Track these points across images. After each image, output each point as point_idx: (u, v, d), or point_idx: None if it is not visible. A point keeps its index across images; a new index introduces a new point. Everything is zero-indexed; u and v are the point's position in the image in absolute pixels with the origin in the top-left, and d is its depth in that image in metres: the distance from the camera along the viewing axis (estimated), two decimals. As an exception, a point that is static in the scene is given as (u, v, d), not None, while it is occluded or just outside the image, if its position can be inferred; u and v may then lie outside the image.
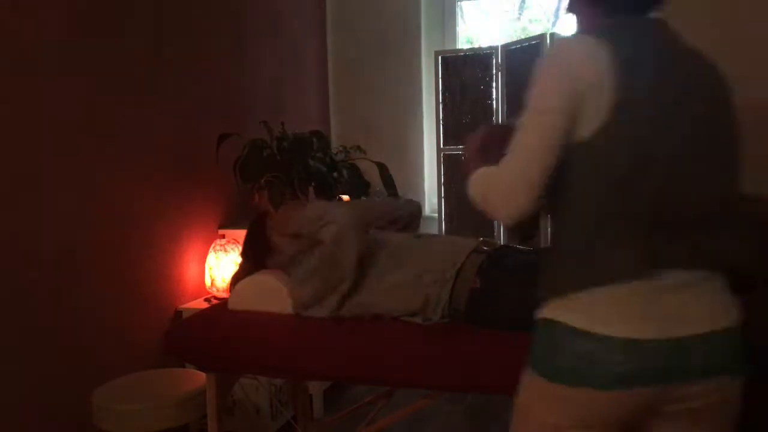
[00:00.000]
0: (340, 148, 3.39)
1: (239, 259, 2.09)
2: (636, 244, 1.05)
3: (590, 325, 1.04)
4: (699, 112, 1.08)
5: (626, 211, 1.05)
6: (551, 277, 1.13)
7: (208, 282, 2.75)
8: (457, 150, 3.68)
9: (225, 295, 2.52)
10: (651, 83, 1.05)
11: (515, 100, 3.44)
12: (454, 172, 3.70)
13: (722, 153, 1.14)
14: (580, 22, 1.22)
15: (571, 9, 1.22)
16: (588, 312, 1.06)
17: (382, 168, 2.84)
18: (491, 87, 3.53)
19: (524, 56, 3.37)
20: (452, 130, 3.67)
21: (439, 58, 3.64)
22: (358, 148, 3.36)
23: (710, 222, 1.09)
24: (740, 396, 1.10)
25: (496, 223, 3.59)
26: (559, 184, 1.07)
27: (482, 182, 1.16)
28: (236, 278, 1.97)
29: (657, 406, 1.08)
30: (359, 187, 3.10)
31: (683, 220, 1.07)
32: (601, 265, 1.06)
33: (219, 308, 1.98)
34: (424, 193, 4.07)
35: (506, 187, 1.08)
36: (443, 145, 3.69)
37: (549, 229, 1.19)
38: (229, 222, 2.97)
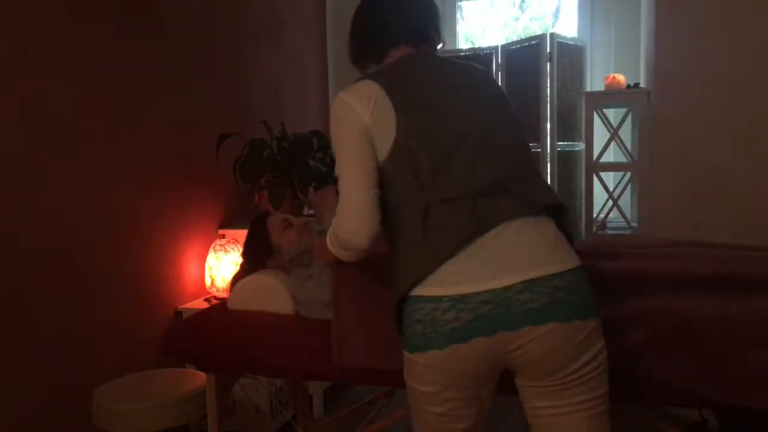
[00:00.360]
0: (340, 148, 3.39)
1: (240, 260, 2.09)
2: (455, 222, 1.20)
3: (427, 290, 1.18)
4: (474, 102, 1.30)
5: (439, 201, 1.22)
6: (396, 283, 1.26)
7: (208, 282, 2.75)
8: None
9: (225, 295, 2.52)
10: (415, 95, 1.28)
11: (515, 101, 3.44)
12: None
13: (508, 129, 1.32)
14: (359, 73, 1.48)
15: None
16: (426, 284, 1.19)
17: (382, 168, 2.84)
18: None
19: (524, 56, 3.37)
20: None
21: (439, 58, 3.64)
22: (358, 148, 3.36)
23: (512, 182, 1.25)
24: (587, 339, 1.17)
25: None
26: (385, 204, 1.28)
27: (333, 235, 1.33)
28: (236, 278, 1.97)
29: (501, 359, 1.18)
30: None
31: (489, 187, 1.23)
32: (432, 253, 1.19)
33: (219, 308, 1.97)
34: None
35: (352, 226, 1.26)
36: (443, 145, 3.69)
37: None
38: (229, 222, 2.97)
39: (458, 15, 3.96)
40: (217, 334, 1.79)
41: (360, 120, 1.26)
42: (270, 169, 2.78)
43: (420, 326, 1.18)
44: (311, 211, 3.14)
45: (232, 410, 2.57)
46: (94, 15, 2.24)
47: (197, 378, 2.11)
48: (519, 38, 3.54)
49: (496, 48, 3.51)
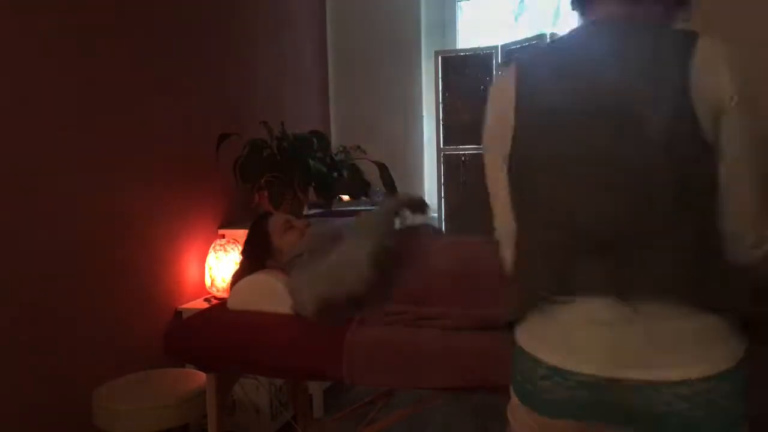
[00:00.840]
0: (340, 148, 3.39)
1: (241, 255, 2.09)
2: (563, 266, 0.99)
3: (527, 343, 1.05)
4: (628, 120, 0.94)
5: (547, 230, 1.02)
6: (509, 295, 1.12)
7: (208, 282, 2.75)
8: (457, 150, 3.68)
9: (225, 295, 2.52)
10: (552, 103, 1.01)
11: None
12: (454, 172, 3.71)
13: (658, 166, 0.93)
14: None
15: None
16: (528, 329, 1.05)
17: (382, 168, 2.84)
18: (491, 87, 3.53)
19: (524, 56, 3.37)
20: (452, 130, 3.67)
21: (439, 58, 3.64)
22: (358, 148, 3.36)
23: (649, 243, 0.94)
24: None
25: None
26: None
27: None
28: (236, 278, 1.97)
29: None
30: (359, 187, 3.11)
31: (613, 241, 0.95)
32: (533, 285, 1.04)
33: (219, 308, 1.97)
34: (424, 193, 4.07)
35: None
36: (443, 145, 3.69)
37: None
38: (229, 222, 2.97)
39: (458, 15, 3.96)
40: (217, 334, 1.79)
41: (499, 114, 1.10)
42: (270, 169, 2.78)
43: (520, 377, 1.06)
44: (311, 212, 3.14)
45: (232, 410, 2.57)
46: (94, 14, 2.24)
47: (197, 378, 2.11)
48: (519, 38, 3.54)
49: (496, 48, 3.51)
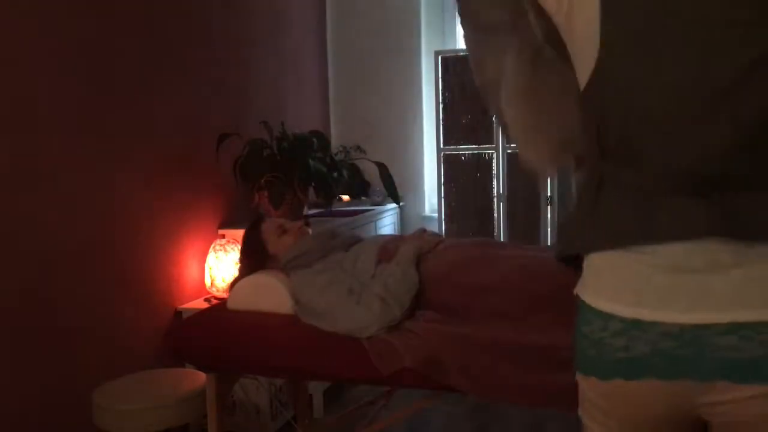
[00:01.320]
0: (340, 148, 3.40)
1: (239, 264, 2.09)
2: (650, 208, 0.88)
3: (597, 300, 0.92)
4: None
5: (632, 157, 0.88)
6: (565, 233, 0.99)
7: (208, 282, 2.75)
8: (457, 150, 3.68)
9: (225, 295, 2.52)
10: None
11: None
12: (454, 172, 3.71)
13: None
14: None
15: None
16: (594, 282, 0.93)
17: (382, 168, 2.84)
18: (491, 87, 3.53)
19: (524, 56, 3.37)
20: (452, 130, 3.67)
21: (439, 58, 3.64)
22: (358, 148, 3.37)
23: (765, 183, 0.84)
24: None
25: (495, 222, 3.59)
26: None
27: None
28: (234, 284, 1.97)
29: (689, 412, 0.90)
30: (359, 187, 3.11)
31: (718, 179, 0.84)
32: (605, 225, 0.91)
33: (219, 308, 1.98)
34: (424, 193, 4.07)
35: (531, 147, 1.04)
36: (443, 145, 3.70)
37: None
38: (229, 222, 2.97)
39: (458, 15, 3.96)
40: (217, 334, 1.79)
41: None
42: (270, 169, 2.78)
43: (586, 342, 0.93)
44: (311, 212, 3.14)
45: (232, 410, 2.57)
46: (95, 15, 2.24)
47: (197, 378, 2.11)
48: (519, 38, 3.54)
49: (496, 48, 3.51)
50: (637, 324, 0.87)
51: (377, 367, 1.54)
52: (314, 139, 2.95)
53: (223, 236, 2.87)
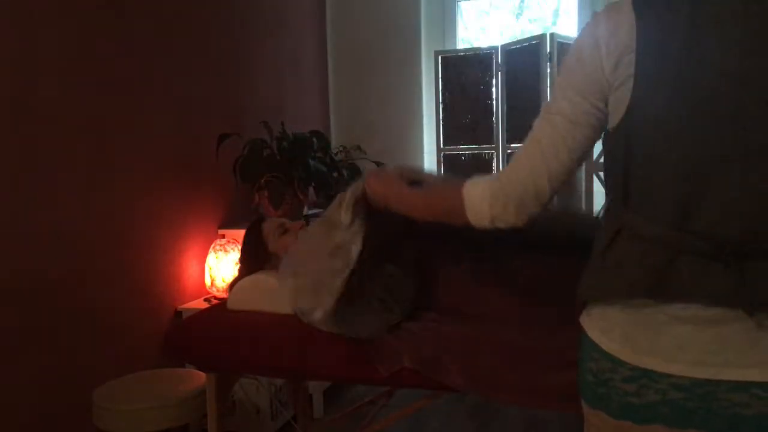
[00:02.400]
0: (340, 148, 3.40)
1: (239, 264, 2.09)
2: (665, 268, 0.86)
3: (607, 342, 0.91)
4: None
5: (649, 209, 0.88)
6: (584, 278, 0.98)
7: (208, 282, 2.75)
8: (457, 150, 3.68)
9: (225, 295, 2.52)
10: (685, 48, 0.82)
11: (515, 100, 3.45)
12: (454, 172, 3.70)
13: None
14: None
15: None
16: (605, 325, 0.93)
17: (382, 168, 2.84)
18: (491, 87, 3.53)
19: (524, 56, 3.37)
20: (452, 130, 3.67)
21: (439, 58, 3.64)
22: (358, 148, 3.37)
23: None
24: None
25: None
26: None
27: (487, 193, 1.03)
28: (234, 283, 1.97)
29: None
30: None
31: (741, 245, 0.83)
32: (615, 275, 0.91)
33: (219, 308, 1.97)
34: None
35: (528, 188, 0.99)
36: (443, 145, 3.70)
37: None
38: (229, 222, 2.97)
39: (458, 15, 3.96)
40: (217, 334, 1.79)
41: (596, 65, 0.91)
42: (270, 169, 2.78)
43: (592, 378, 0.94)
44: (311, 212, 3.14)
45: (232, 410, 2.57)
46: (95, 14, 2.24)
47: (197, 378, 2.11)
48: (519, 38, 3.54)
49: (496, 48, 3.51)
50: (648, 373, 0.87)
51: (377, 367, 1.54)
52: (314, 139, 2.95)
53: (223, 236, 2.87)
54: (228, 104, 3.01)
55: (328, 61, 4.03)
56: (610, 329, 0.92)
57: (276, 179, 2.77)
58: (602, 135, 0.95)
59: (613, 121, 0.90)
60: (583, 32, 0.95)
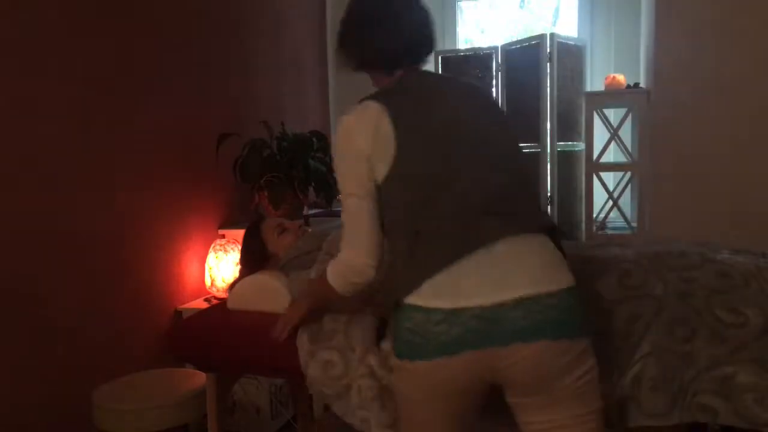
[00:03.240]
0: (340, 148, 3.38)
1: (239, 264, 2.09)
2: (452, 238, 1.22)
3: (422, 300, 1.20)
4: (473, 124, 1.33)
5: (436, 218, 1.25)
6: (392, 293, 1.28)
7: (208, 282, 2.75)
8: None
9: (225, 295, 2.52)
10: (419, 125, 1.30)
11: (515, 100, 3.45)
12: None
13: (506, 149, 1.36)
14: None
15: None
16: (421, 294, 1.21)
17: (382, 168, 2.84)
18: (491, 87, 3.53)
19: (524, 56, 3.37)
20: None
21: (439, 58, 3.64)
22: (358, 148, 3.36)
23: (509, 201, 1.28)
24: (577, 359, 1.18)
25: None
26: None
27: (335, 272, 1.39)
28: (234, 284, 1.97)
29: (490, 375, 1.20)
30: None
31: (487, 206, 1.25)
32: (424, 264, 1.22)
33: (219, 308, 1.97)
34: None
35: (360, 257, 1.32)
36: (443, 145, 3.69)
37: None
38: (229, 222, 2.97)
39: (458, 15, 3.96)
40: (217, 334, 1.79)
41: (361, 148, 1.30)
42: (270, 169, 2.78)
43: (410, 335, 1.20)
44: (311, 212, 3.14)
45: (232, 410, 2.57)
46: (95, 14, 2.24)
47: (197, 378, 2.11)
48: (519, 38, 3.54)
49: (496, 48, 3.51)
50: (453, 312, 1.16)
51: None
52: (314, 139, 2.95)
53: (223, 236, 2.87)
54: (228, 104, 3.01)
55: (328, 61, 4.03)
56: (421, 292, 1.20)
57: (276, 179, 2.77)
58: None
59: (382, 171, 1.32)
60: None
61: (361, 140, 1.29)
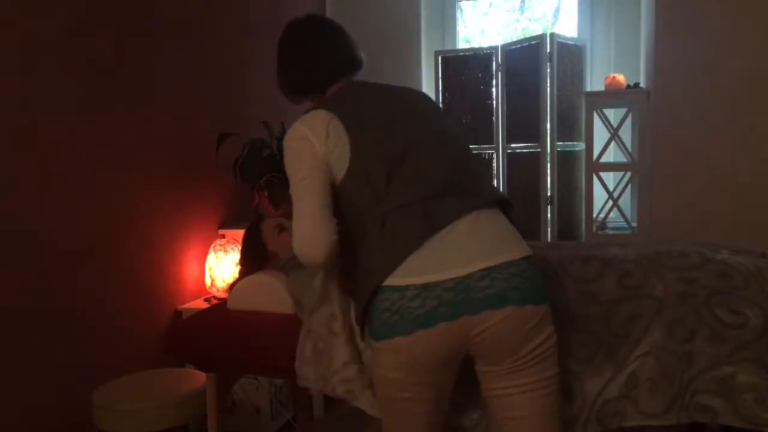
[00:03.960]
0: (340, 148, 3.38)
1: (239, 264, 2.09)
2: (414, 222, 1.30)
3: (395, 281, 1.26)
4: (417, 117, 1.45)
5: (396, 206, 1.33)
6: (363, 283, 1.33)
7: (208, 282, 2.75)
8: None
9: (225, 295, 2.52)
10: (366, 122, 1.40)
11: (515, 100, 3.45)
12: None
13: (450, 137, 1.47)
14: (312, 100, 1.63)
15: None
16: (394, 276, 1.27)
17: (382, 168, 2.84)
18: (491, 87, 3.53)
19: (524, 56, 3.37)
20: (452, 130, 3.66)
21: (439, 58, 3.64)
22: (358, 148, 3.35)
23: (461, 182, 1.38)
24: (539, 324, 1.27)
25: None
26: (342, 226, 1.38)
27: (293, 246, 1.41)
28: (234, 284, 1.97)
29: (464, 344, 1.26)
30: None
31: (441, 188, 1.35)
32: (395, 249, 1.29)
33: (219, 308, 1.98)
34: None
35: (308, 244, 1.35)
36: (443, 145, 3.69)
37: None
38: (229, 222, 2.97)
39: (458, 15, 3.96)
40: (217, 334, 1.79)
41: (314, 148, 1.38)
42: (270, 169, 2.77)
43: (387, 314, 1.26)
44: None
45: (232, 410, 2.57)
46: (95, 14, 2.24)
47: (197, 378, 2.12)
48: (519, 38, 3.54)
49: (495, 48, 3.51)
50: (426, 287, 1.24)
51: None
52: (314, 139, 2.95)
53: (223, 236, 2.87)
54: (228, 104, 3.01)
55: (328, 61, 4.02)
56: (394, 275, 1.26)
57: (276, 179, 2.77)
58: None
59: (341, 171, 1.42)
60: None
61: (314, 140, 1.38)
